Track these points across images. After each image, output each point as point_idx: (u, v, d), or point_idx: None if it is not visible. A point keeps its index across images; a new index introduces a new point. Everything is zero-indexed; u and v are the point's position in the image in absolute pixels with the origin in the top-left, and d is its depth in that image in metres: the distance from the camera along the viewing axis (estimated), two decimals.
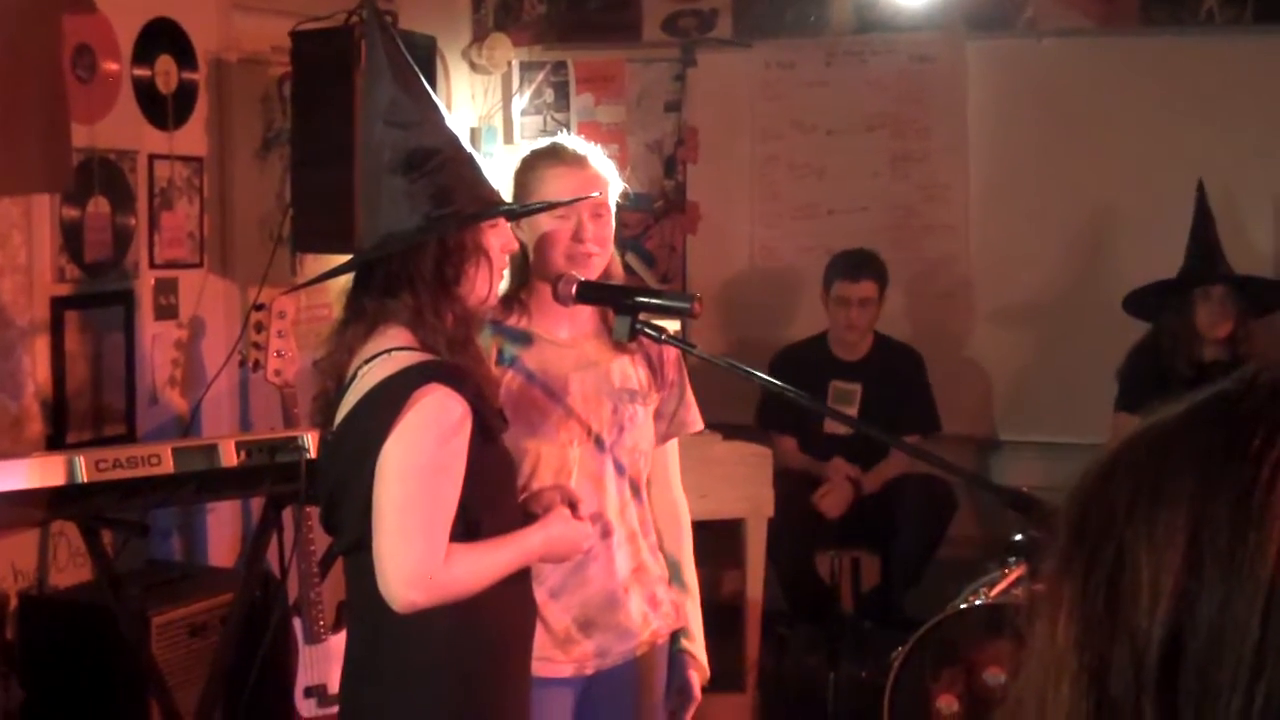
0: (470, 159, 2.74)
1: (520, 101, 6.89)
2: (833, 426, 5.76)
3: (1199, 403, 0.87)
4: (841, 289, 5.86)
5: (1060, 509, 0.89)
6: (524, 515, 2.79)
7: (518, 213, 2.97)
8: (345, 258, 3.01)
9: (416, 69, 2.78)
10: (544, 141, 3.26)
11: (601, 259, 3.10)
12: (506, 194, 3.05)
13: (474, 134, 6.66)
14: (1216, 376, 0.88)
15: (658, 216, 6.79)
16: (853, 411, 5.78)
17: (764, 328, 6.55)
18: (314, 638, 4.32)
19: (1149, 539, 0.82)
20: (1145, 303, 5.51)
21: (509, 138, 6.85)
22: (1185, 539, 0.81)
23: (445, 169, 2.67)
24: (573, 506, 2.84)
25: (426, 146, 2.67)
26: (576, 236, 3.05)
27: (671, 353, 3.26)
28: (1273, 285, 5.54)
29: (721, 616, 5.01)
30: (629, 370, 3.18)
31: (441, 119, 2.75)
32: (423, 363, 2.58)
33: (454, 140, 2.73)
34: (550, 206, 3.01)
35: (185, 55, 5.13)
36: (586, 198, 3.03)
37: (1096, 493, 0.86)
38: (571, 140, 3.22)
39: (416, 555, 2.53)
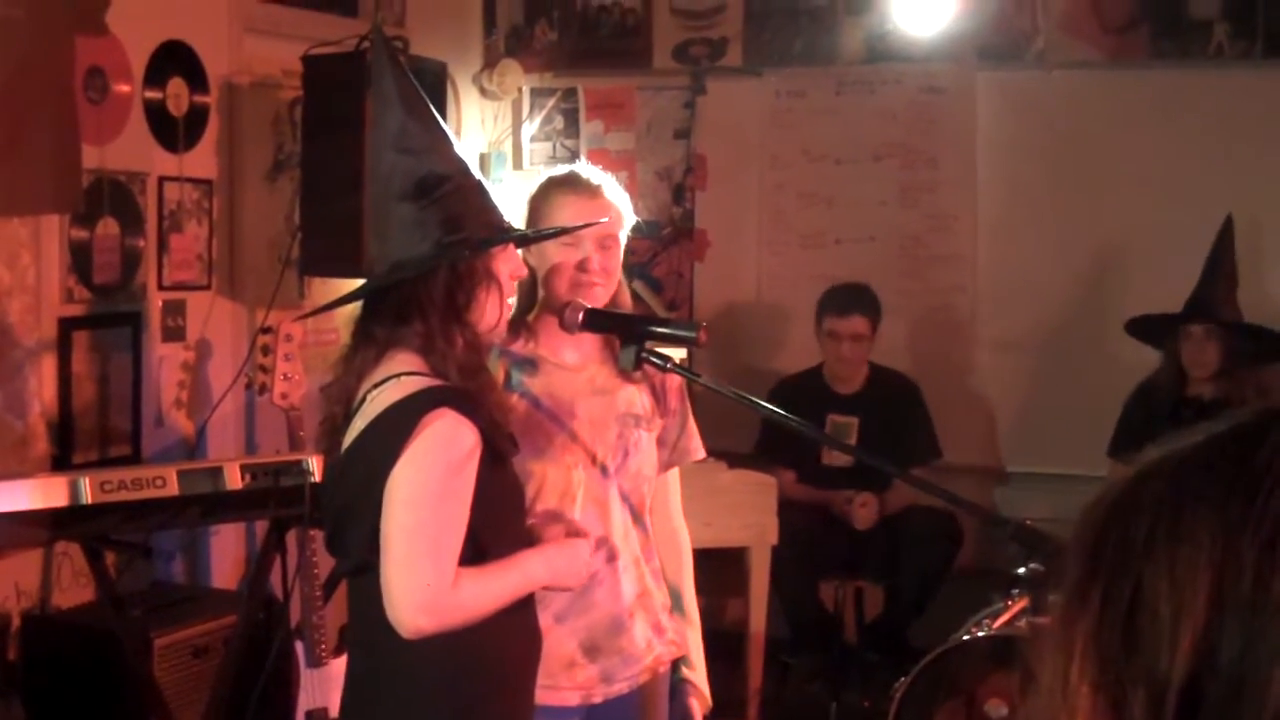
0: (480, 186, 2.74)
1: (530, 128, 6.91)
2: (832, 458, 5.75)
3: (1219, 435, 0.85)
4: (831, 324, 5.86)
5: (1073, 538, 0.87)
6: (531, 542, 2.79)
7: (528, 239, 2.97)
8: (353, 281, 3.01)
9: (425, 96, 2.78)
10: (563, 168, 3.26)
11: (606, 289, 3.09)
12: (517, 220, 3.05)
13: (483, 159, 6.67)
14: (1205, 415, 0.86)
15: (666, 244, 6.80)
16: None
17: (770, 356, 6.55)
18: (316, 661, 4.32)
19: (1169, 577, 0.80)
20: (1148, 330, 5.50)
21: (518, 164, 6.87)
22: (1207, 581, 0.79)
23: (455, 196, 2.67)
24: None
25: (436, 173, 2.67)
26: (582, 266, 3.05)
27: (674, 381, 3.25)
28: (1258, 333, 5.42)
29: (724, 644, 5.00)
30: (634, 395, 3.17)
31: (451, 146, 2.75)
32: (432, 388, 2.58)
33: (463, 167, 2.73)
34: (560, 233, 3.00)
35: (196, 78, 5.14)
36: (594, 224, 3.02)
37: (1112, 524, 0.84)
38: (588, 169, 3.21)
39: (425, 581, 2.52)
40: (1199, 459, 0.84)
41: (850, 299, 5.87)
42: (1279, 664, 0.76)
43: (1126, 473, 0.87)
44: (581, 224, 3.01)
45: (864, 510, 5.70)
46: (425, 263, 2.63)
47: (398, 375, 2.60)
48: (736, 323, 6.67)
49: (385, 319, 2.67)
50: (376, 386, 2.61)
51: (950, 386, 6.15)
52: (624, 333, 3.01)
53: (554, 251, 3.06)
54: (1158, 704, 0.79)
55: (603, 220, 3.05)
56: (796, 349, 6.44)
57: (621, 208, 3.15)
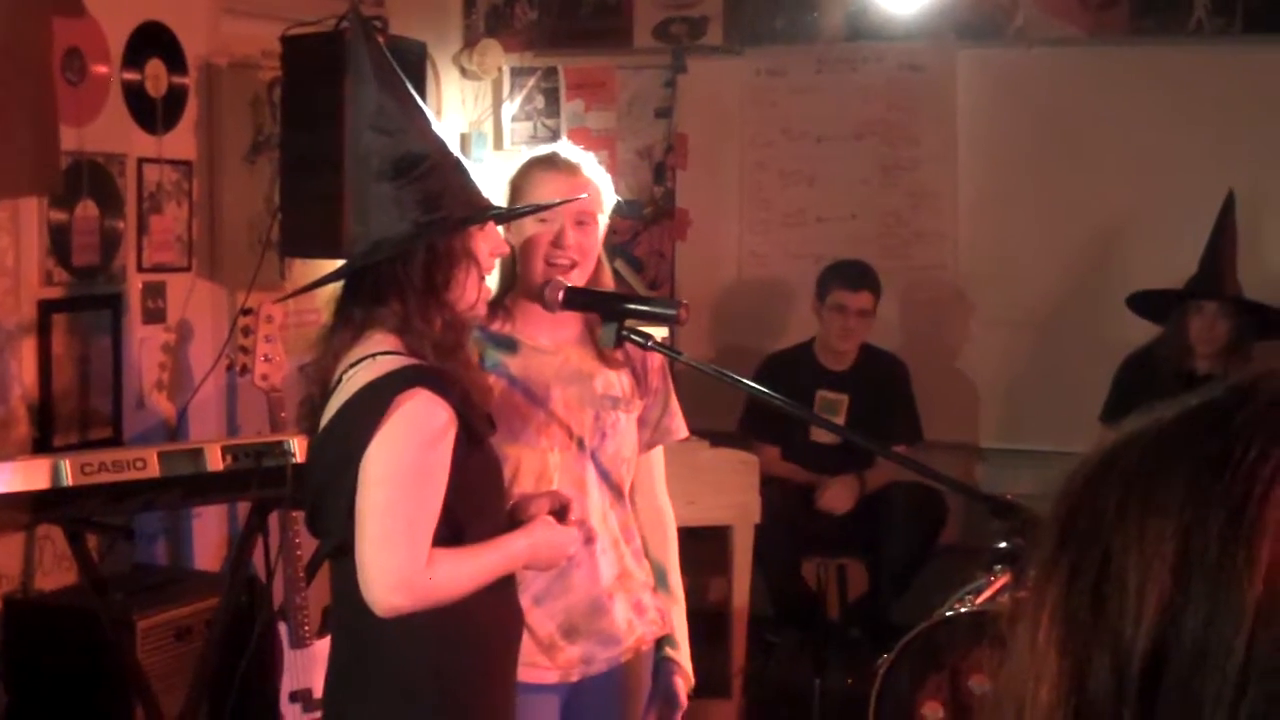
0: (458, 164, 2.74)
1: (511, 107, 6.89)
2: (819, 435, 5.76)
3: (1194, 408, 0.85)
4: (840, 297, 5.86)
5: (1047, 509, 0.87)
6: (511, 521, 2.79)
7: (506, 216, 2.96)
8: (333, 262, 3.00)
9: (402, 75, 2.77)
10: (544, 148, 3.26)
11: (583, 269, 3.08)
12: (498, 199, 3.05)
13: (464, 139, 6.65)
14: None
15: (647, 223, 6.79)
16: (839, 421, 5.78)
17: (752, 335, 6.55)
18: (299, 642, 4.32)
19: (1138, 546, 0.81)
20: (1150, 305, 5.49)
21: (499, 143, 6.85)
22: (1174, 550, 0.80)
23: (433, 174, 2.66)
24: (563, 511, 2.84)
25: (414, 152, 2.66)
26: (557, 242, 3.05)
27: (656, 360, 3.26)
28: (1263, 310, 5.41)
29: (708, 623, 5.01)
30: (612, 378, 3.17)
31: (428, 124, 2.74)
32: (406, 367, 2.58)
33: (441, 145, 2.72)
34: (537, 209, 3.00)
35: (175, 59, 5.12)
36: (571, 200, 3.02)
37: (1086, 495, 0.85)
38: (568, 149, 3.21)
39: (399, 560, 2.52)
40: (1173, 430, 0.85)
41: (859, 274, 5.90)
42: (1241, 634, 0.77)
43: (1104, 443, 0.87)
44: (558, 200, 3.00)
45: (830, 495, 5.72)
46: (403, 243, 2.63)
47: (373, 355, 2.60)
48: (718, 301, 6.67)
49: (364, 299, 2.67)
50: (353, 366, 2.61)
51: (932, 364, 6.15)
52: (604, 311, 3.00)
53: (530, 228, 3.06)
54: (1122, 670, 0.80)
55: (581, 196, 3.04)
56: (778, 327, 6.45)
57: (601, 187, 3.15)
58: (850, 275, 5.90)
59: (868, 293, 5.87)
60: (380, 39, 4.94)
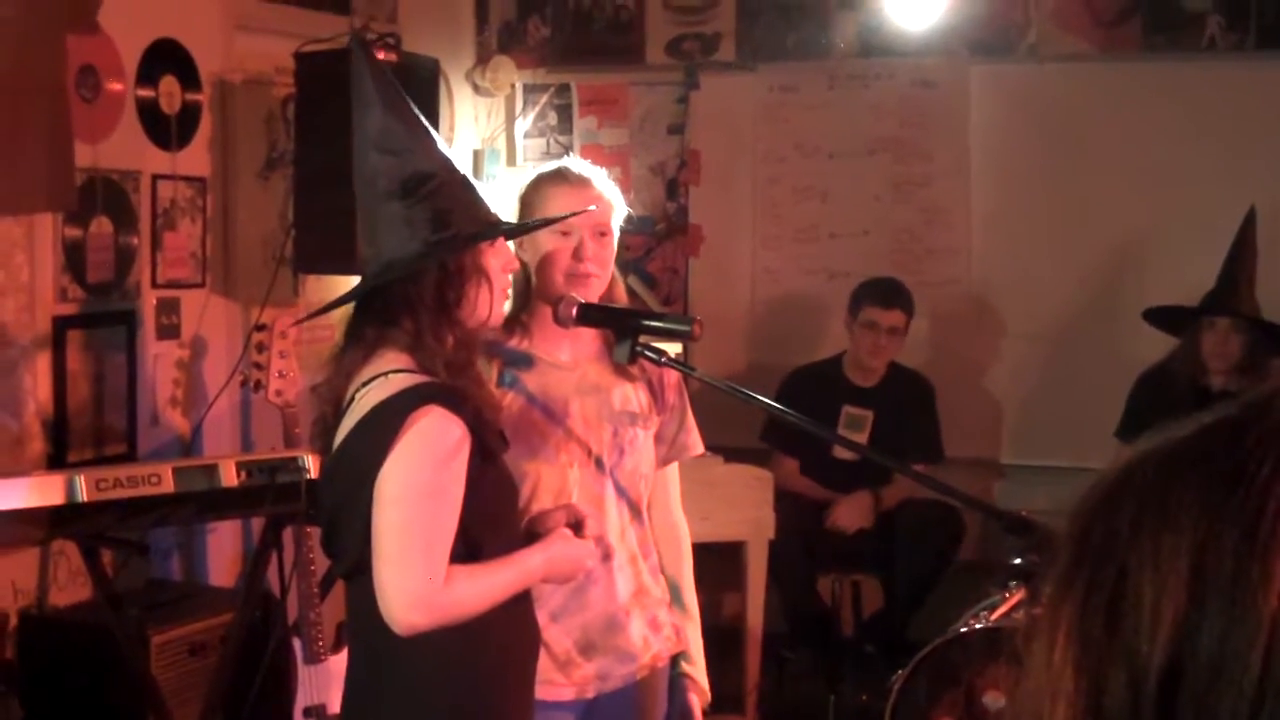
0: (465, 181, 2.74)
1: (523, 124, 6.90)
2: (840, 451, 5.75)
3: (1208, 425, 0.85)
4: (872, 314, 5.87)
5: (1063, 527, 0.88)
6: (527, 536, 2.78)
7: (516, 231, 2.96)
8: (347, 278, 3.00)
9: (404, 95, 2.77)
10: (552, 164, 3.26)
11: (601, 281, 3.09)
12: (509, 215, 3.05)
13: (477, 156, 6.67)
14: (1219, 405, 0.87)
15: (660, 239, 6.80)
16: (863, 437, 5.79)
17: (765, 350, 6.55)
18: (313, 658, 4.32)
19: (1153, 563, 0.81)
20: (1167, 320, 5.48)
21: (512, 160, 6.86)
22: (1188, 566, 0.80)
23: (441, 192, 2.66)
24: (579, 525, 2.83)
25: (421, 171, 2.67)
26: (577, 255, 3.05)
27: (672, 376, 3.26)
28: (1276, 329, 5.39)
29: (722, 639, 5.00)
30: (630, 393, 3.17)
31: (434, 143, 2.75)
32: (419, 384, 2.58)
33: (448, 163, 2.72)
34: (548, 223, 3.00)
35: (189, 76, 5.14)
36: (582, 211, 3.02)
37: (1100, 512, 0.85)
38: (578, 163, 3.22)
39: (417, 578, 2.52)
40: (1187, 447, 0.85)
41: (892, 292, 5.92)
42: (1257, 648, 0.77)
43: (1119, 461, 0.88)
44: (568, 213, 3.00)
45: (839, 514, 5.73)
46: (415, 262, 2.63)
47: (385, 373, 2.60)
48: (731, 317, 6.67)
49: (375, 318, 2.67)
50: (364, 385, 2.61)
51: (945, 378, 6.14)
52: (618, 327, 3.01)
53: (547, 242, 3.06)
54: (1138, 685, 0.80)
55: (590, 209, 3.05)
56: (791, 342, 6.45)
57: (612, 199, 3.15)
58: (883, 293, 5.91)
59: (899, 311, 5.88)
60: (394, 56, 4.97)
